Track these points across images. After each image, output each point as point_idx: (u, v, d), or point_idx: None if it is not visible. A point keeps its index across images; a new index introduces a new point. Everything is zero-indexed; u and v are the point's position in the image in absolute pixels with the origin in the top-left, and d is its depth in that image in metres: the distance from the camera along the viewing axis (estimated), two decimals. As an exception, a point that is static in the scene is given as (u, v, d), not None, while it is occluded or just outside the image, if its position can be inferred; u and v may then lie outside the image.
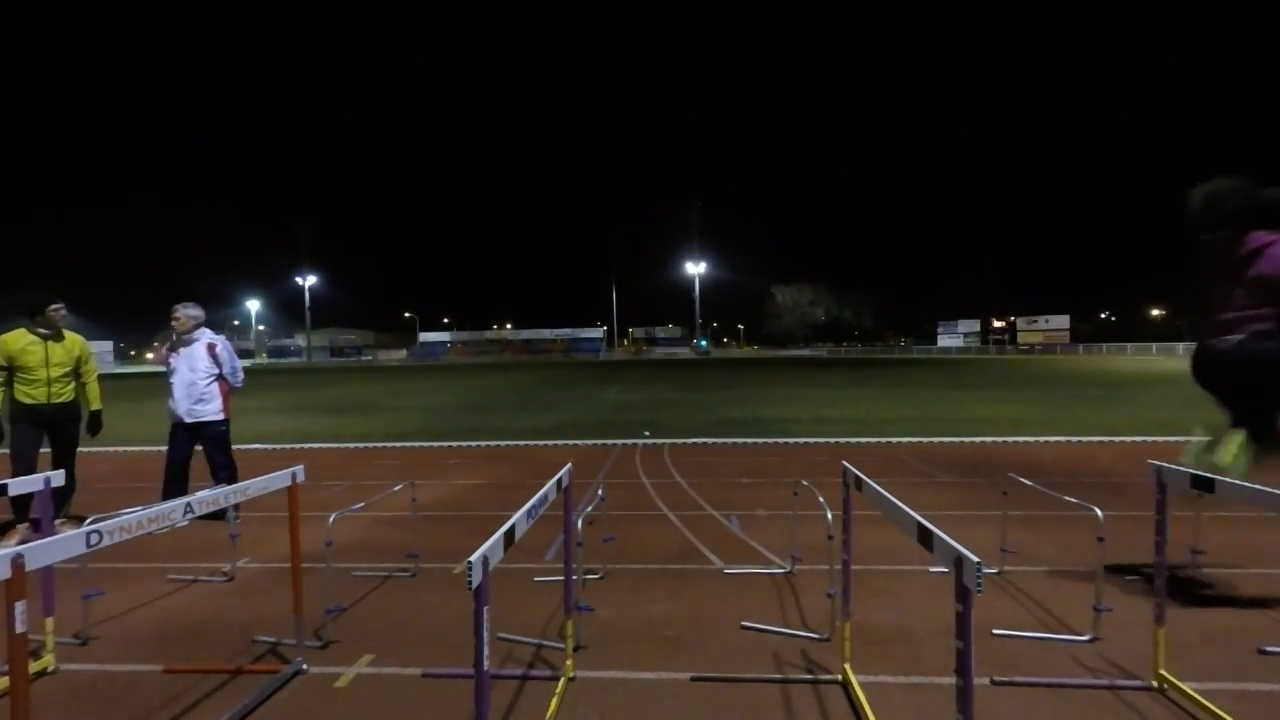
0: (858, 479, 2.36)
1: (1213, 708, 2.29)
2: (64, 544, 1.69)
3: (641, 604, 3.41)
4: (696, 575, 3.83)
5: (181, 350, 5.13)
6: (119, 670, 2.79)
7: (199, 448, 5.30)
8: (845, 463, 2.59)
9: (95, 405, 5.16)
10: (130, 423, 12.63)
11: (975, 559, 1.36)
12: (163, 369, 5.42)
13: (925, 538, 1.62)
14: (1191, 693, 2.38)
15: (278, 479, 2.76)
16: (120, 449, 9.22)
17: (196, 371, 5.09)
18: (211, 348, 5.17)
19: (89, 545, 1.76)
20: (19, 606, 1.49)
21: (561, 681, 2.58)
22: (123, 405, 17.59)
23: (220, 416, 5.22)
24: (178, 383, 5.09)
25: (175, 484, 5.12)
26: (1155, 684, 2.50)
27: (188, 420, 5.08)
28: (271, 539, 4.59)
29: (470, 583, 1.45)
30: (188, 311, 5.15)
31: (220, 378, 5.22)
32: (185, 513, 2.15)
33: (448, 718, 2.40)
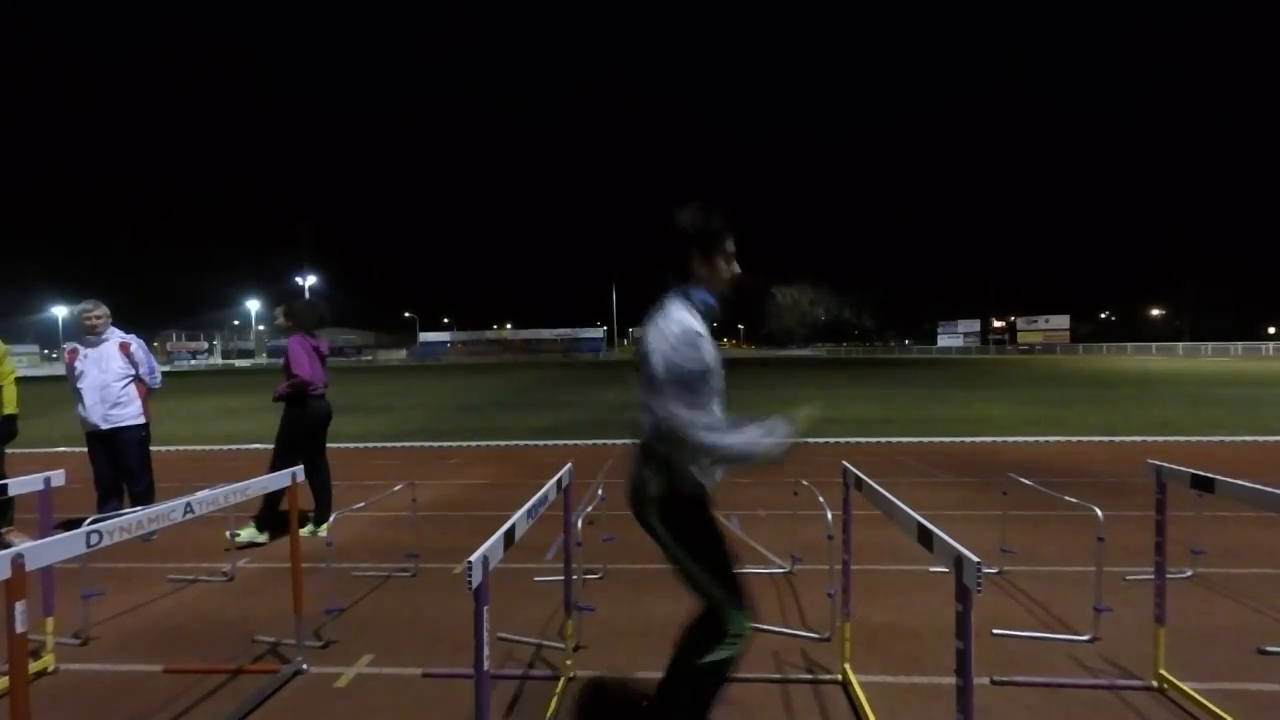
0: (858, 479, 2.36)
1: (1213, 707, 2.29)
2: (64, 544, 1.69)
3: (641, 604, 3.41)
4: (696, 575, 3.83)
5: (89, 352, 4.72)
6: (119, 670, 2.79)
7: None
8: (845, 463, 2.59)
9: (9, 410, 4.81)
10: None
11: (975, 559, 1.36)
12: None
13: (925, 538, 1.62)
14: (1192, 693, 2.38)
15: (278, 478, 2.76)
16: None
17: (109, 373, 4.68)
18: (125, 347, 4.80)
19: (89, 545, 1.76)
20: (19, 606, 1.49)
21: (561, 681, 2.58)
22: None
23: (140, 420, 4.80)
24: (89, 386, 4.64)
25: (111, 500, 4.75)
26: (1155, 684, 2.50)
27: (104, 426, 4.64)
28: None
29: (470, 583, 1.45)
30: (102, 309, 4.77)
31: (137, 379, 4.84)
32: (185, 513, 2.15)
33: (448, 718, 2.40)
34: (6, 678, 2.59)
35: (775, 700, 2.48)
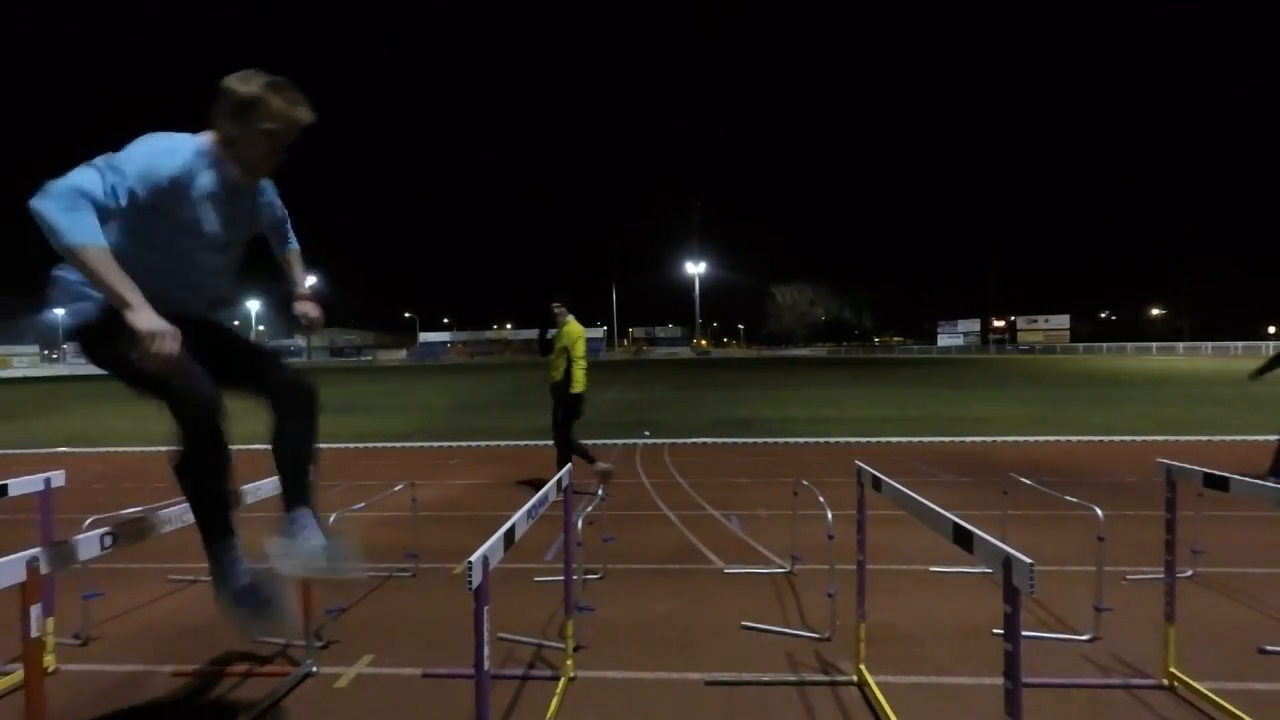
0: (875, 479, 2.34)
1: (1227, 705, 2.28)
2: (79, 546, 1.67)
3: (641, 604, 3.41)
4: (696, 575, 3.83)
5: None
6: (119, 670, 2.79)
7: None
8: (859, 463, 2.58)
9: None
10: (122, 421, 12.63)
11: (1027, 560, 1.34)
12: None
13: (964, 538, 1.60)
14: (1205, 691, 2.37)
15: None
16: (110, 449, 9.25)
17: None
18: None
19: (103, 548, 1.75)
20: (34, 610, 1.47)
21: (561, 681, 2.58)
22: (115, 406, 17.58)
23: None
24: None
25: None
26: (1165, 682, 2.50)
27: None
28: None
29: (470, 583, 1.45)
30: None
31: None
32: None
33: (448, 718, 2.40)
34: (8, 676, 2.59)
35: (776, 700, 2.48)
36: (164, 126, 1.90)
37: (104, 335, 1.83)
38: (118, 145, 1.77)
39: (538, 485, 2.27)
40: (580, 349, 5.97)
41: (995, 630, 2.98)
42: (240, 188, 2.00)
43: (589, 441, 9.44)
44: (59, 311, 1.94)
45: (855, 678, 2.59)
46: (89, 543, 1.70)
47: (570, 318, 6.07)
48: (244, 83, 1.91)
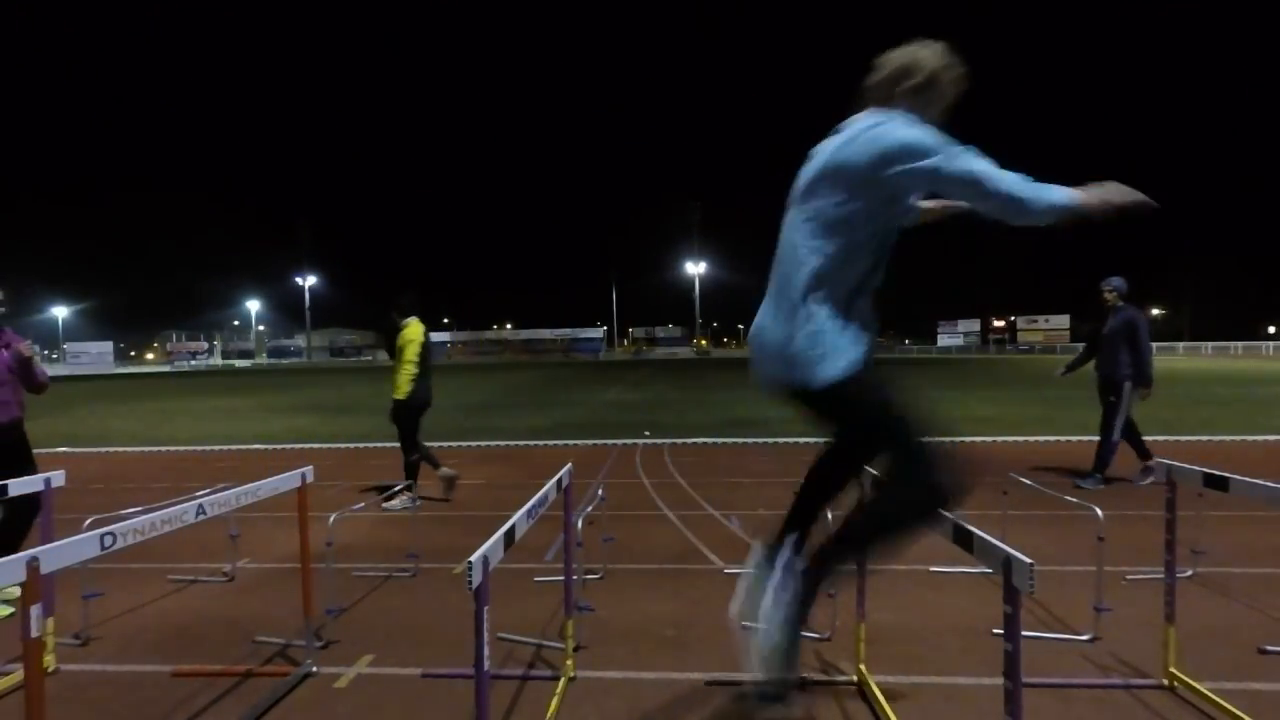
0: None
1: (1228, 705, 2.28)
2: (79, 546, 1.67)
3: (641, 604, 3.41)
4: (696, 575, 3.83)
5: None
6: (119, 670, 2.79)
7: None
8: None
9: None
10: (122, 421, 12.63)
11: (1027, 560, 1.34)
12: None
13: (964, 538, 1.61)
14: (1206, 691, 2.37)
15: (288, 480, 2.75)
16: (110, 449, 9.28)
17: None
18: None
19: (104, 547, 1.74)
20: (34, 610, 1.47)
21: (561, 681, 2.58)
22: (120, 405, 17.59)
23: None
24: None
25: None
26: (1165, 682, 2.50)
27: None
28: (271, 539, 4.58)
29: (470, 583, 1.45)
30: None
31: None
32: (197, 514, 2.14)
33: (448, 718, 2.40)
34: (8, 676, 2.59)
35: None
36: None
37: (867, 385, 1.77)
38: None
39: (537, 485, 2.27)
40: (411, 352, 5.39)
41: (995, 630, 2.98)
42: None
43: (587, 442, 9.47)
44: (808, 365, 1.80)
45: (855, 678, 2.59)
46: (89, 543, 1.70)
47: (412, 319, 5.58)
48: (930, 54, 1.70)
